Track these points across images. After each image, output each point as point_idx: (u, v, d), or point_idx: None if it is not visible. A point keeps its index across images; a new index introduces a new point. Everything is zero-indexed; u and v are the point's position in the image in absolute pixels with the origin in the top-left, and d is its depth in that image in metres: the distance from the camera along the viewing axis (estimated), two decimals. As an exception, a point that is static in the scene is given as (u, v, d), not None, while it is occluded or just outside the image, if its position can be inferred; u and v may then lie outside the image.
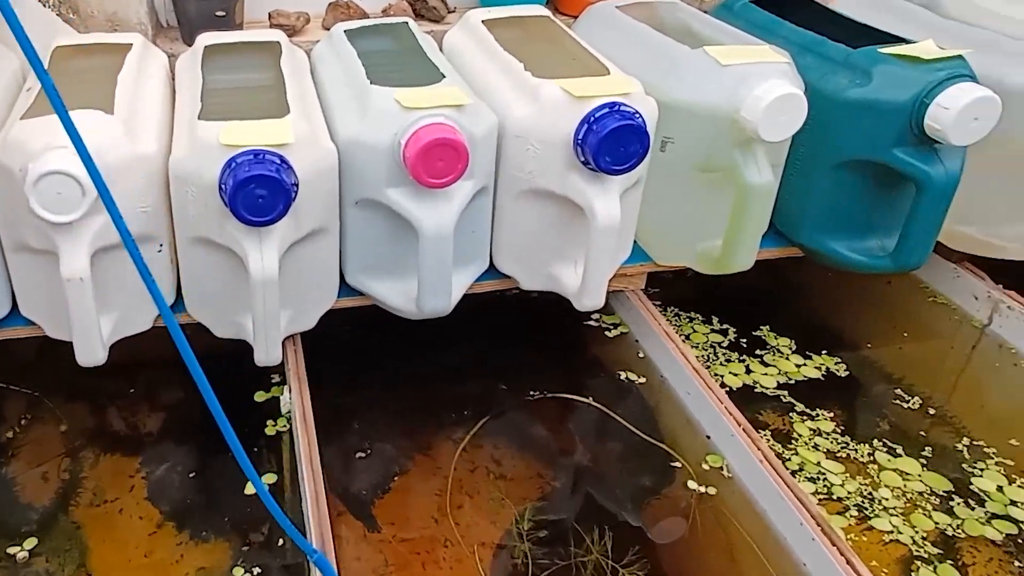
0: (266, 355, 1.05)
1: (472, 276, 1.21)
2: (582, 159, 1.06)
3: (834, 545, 0.87)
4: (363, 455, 1.09)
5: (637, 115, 1.04)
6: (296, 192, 0.97)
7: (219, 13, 1.45)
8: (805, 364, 1.24)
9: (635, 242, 1.29)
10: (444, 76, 1.12)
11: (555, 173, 1.10)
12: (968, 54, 1.15)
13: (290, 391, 1.10)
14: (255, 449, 1.10)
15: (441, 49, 1.36)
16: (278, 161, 0.95)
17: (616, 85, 1.08)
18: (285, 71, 1.17)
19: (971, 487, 1.03)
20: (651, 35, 1.27)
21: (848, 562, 0.85)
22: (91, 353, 1.03)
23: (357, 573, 0.95)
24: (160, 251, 1.09)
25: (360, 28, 1.35)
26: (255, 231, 0.98)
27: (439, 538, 0.99)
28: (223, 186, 0.94)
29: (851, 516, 0.99)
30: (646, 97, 1.12)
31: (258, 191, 0.94)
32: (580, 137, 1.04)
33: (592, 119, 1.04)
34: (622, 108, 1.04)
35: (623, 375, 1.23)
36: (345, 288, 1.19)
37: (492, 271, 1.23)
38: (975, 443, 1.10)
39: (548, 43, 1.31)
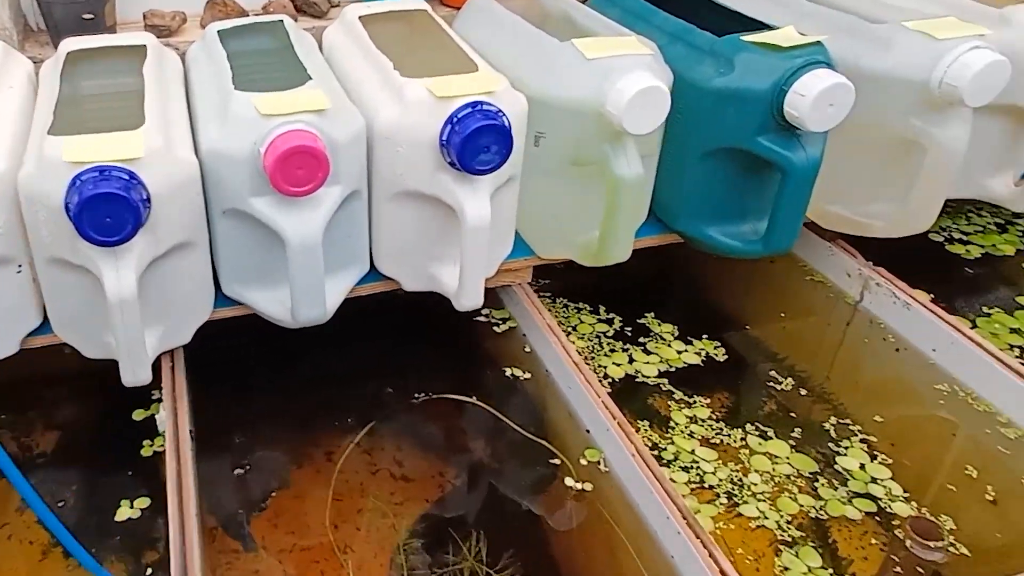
0: (133, 375, 1.01)
1: (352, 280, 1.17)
2: (448, 160, 1.03)
3: (698, 538, 0.87)
4: (242, 471, 1.05)
5: (500, 114, 1.01)
6: (148, 209, 0.92)
7: (87, 16, 1.37)
8: (686, 350, 1.24)
9: (519, 237, 1.26)
10: (311, 78, 1.07)
11: (424, 174, 1.07)
12: (828, 39, 1.14)
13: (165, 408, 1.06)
14: (129, 472, 1.05)
15: (321, 47, 1.31)
16: (126, 177, 0.90)
17: (480, 83, 1.05)
18: (148, 77, 1.11)
19: (835, 467, 1.04)
20: (524, 28, 1.24)
21: (711, 555, 0.85)
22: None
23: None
24: (19, 272, 1.03)
25: (234, 27, 1.29)
26: (109, 250, 0.93)
27: (317, 553, 0.96)
28: (68, 206, 0.89)
29: (720, 504, 0.99)
30: (514, 93, 1.10)
31: (104, 210, 0.89)
32: (444, 138, 1.02)
33: (455, 119, 1.01)
34: (485, 107, 1.01)
35: (509, 372, 1.21)
36: (224, 298, 1.14)
37: (374, 273, 1.20)
38: (842, 422, 1.11)
39: (422, 39, 1.27)
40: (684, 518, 0.90)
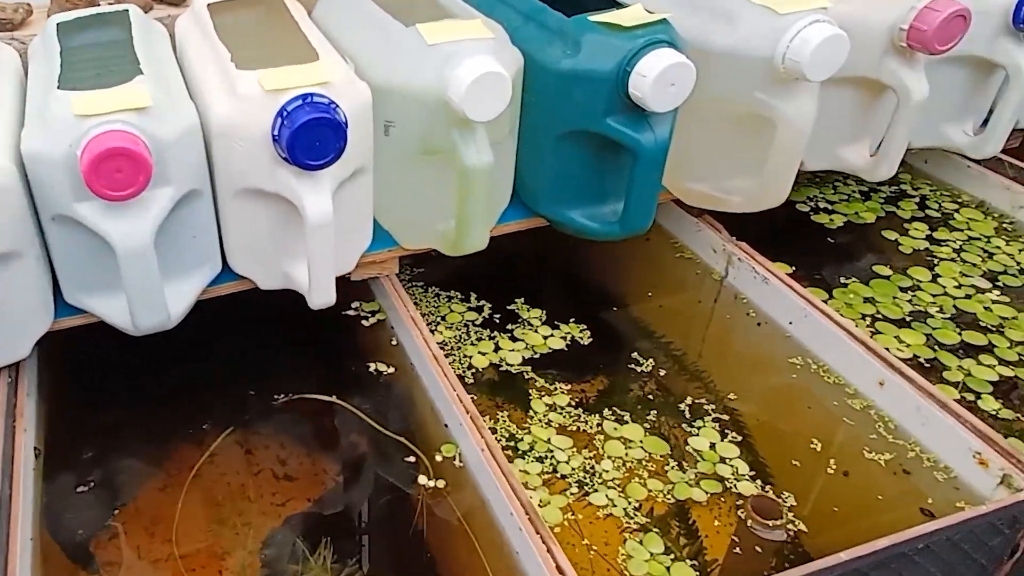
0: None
1: (203, 281, 1.11)
2: (282, 155, 0.96)
3: (538, 533, 0.84)
4: (85, 488, 0.99)
5: (332, 106, 0.95)
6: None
7: (-85, 10, 1.26)
8: (552, 335, 1.21)
9: (383, 228, 1.21)
10: (141, 73, 1.00)
11: (263, 171, 1.01)
12: (676, 17, 1.11)
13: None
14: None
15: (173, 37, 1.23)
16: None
17: (313, 74, 0.99)
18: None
19: (687, 448, 1.02)
20: (375, 12, 1.18)
21: (548, 550, 0.82)
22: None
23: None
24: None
25: (75, 20, 1.20)
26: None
27: (162, 570, 0.90)
28: None
29: (571, 494, 0.96)
30: (356, 83, 1.04)
31: None
32: (276, 132, 0.95)
33: (285, 113, 0.95)
34: (315, 100, 0.95)
35: (373, 367, 1.16)
36: (68, 307, 1.06)
37: (229, 273, 1.13)
38: (697, 401, 1.10)
39: (268, 28, 1.20)
40: (527, 513, 0.87)
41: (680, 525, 0.94)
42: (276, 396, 1.12)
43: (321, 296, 1.07)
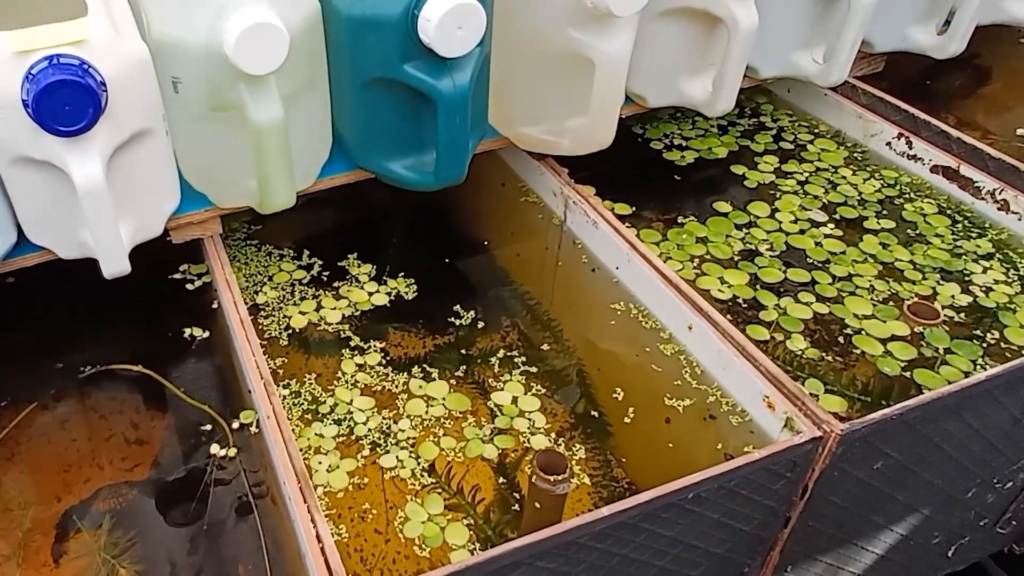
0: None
1: (-5, 256, 1.03)
2: (34, 121, 0.88)
3: (305, 502, 0.80)
4: None
5: (83, 67, 0.87)
6: None
7: None
8: (377, 291, 1.16)
9: (194, 188, 1.13)
10: None
11: (28, 139, 0.93)
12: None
13: None
14: None
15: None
16: None
17: (65, 33, 0.90)
18: None
19: (489, 403, 0.98)
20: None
21: (312, 520, 0.78)
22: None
23: None
24: None
25: None
26: None
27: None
28: None
29: (362, 457, 0.92)
30: (126, 40, 0.95)
31: None
32: (25, 97, 0.87)
33: (31, 76, 0.86)
34: (62, 61, 0.86)
35: (188, 332, 1.10)
36: None
37: (30, 246, 1.06)
38: (508, 354, 1.05)
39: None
40: (298, 480, 0.83)
41: (468, 484, 0.90)
42: (83, 368, 1.06)
43: (112, 265, 1.00)
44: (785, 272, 1.14)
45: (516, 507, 0.88)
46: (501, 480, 0.90)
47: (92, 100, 0.88)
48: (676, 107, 1.43)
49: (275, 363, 1.04)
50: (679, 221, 1.25)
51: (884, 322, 1.06)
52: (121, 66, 0.93)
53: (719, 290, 1.11)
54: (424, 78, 1.02)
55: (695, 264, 1.16)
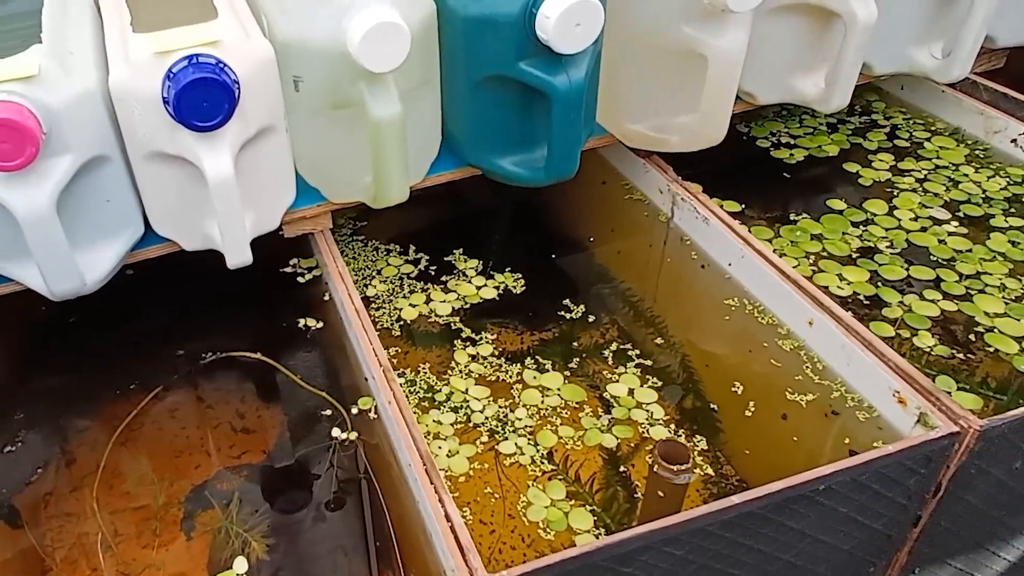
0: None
1: (124, 245, 1.12)
2: (173, 118, 0.96)
3: (432, 483, 0.84)
4: (12, 448, 1.02)
5: (220, 66, 0.95)
6: None
7: None
8: (485, 285, 1.20)
9: (308, 184, 1.21)
10: (39, 42, 1.00)
11: (164, 134, 1.01)
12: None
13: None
14: None
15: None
16: None
17: (201, 34, 0.98)
18: None
19: (604, 395, 1.01)
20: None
21: (440, 500, 0.82)
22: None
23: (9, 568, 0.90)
24: None
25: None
26: None
27: (79, 526, 0.93)
28: None
29: (481, 443, 0.96)
30: (254, 42, 1.03)
31: None
32: (165, 95, 0.95)
33: (171, 75, 0.94)
34: (201, 60, 0.94)
35: (303, 323, 1.17)
36: (0, 276, 1.09)
37: (155, 236, 1.14)
38: (622, 347, 1.08)
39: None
40: (423, 462, 0.87)
41: (588, 471, 0.93)
42: (204, 355, 1.14)
43: (236, 255, 1.08)
44: (907, 269, 1.15)
45: (639, 495, 0.90)
46: (621, 469, 0.93)
47: (228, 97, 0.96)
48: (783, 105, 1.44)
49: (388, 353, 1.10)
50: (791, 218, 1.27)
51: (1018, 320, 1.05)
52: (250, 66, 1.01)
53: (838, 287, 1.12)
54: (539, 75, 1.07)
55: (811, 261, 1.17)
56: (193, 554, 0.90)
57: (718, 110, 1.18)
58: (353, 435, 0.99)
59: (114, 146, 1.06)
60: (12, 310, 1.15)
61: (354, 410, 1.02)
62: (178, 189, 1.09)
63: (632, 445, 0.95)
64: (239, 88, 0.97)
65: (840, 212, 1.27)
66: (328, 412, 1.03)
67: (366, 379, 1.06)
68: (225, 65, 0.96)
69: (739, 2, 1.06)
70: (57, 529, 0.94)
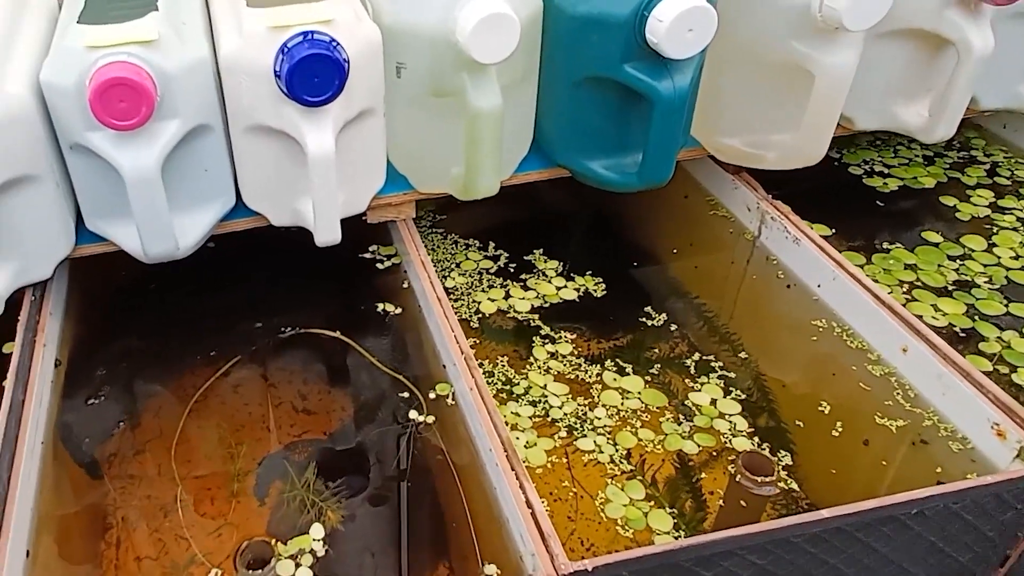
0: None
1: (215, 215, 1.17)
2: (282, 91, 1.01)
3: (513, 470, 0.86)
4: (96, 401, 1.07)
5: (333, 44, 0.99)
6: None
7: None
8: (565, 286, 1.23)
9: (397, 172, 1.24)
10: (155, 10, 1.06)
11: (269, 107, 1.06)
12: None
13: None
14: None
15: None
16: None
17: (316, 12, 1.03)
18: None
19: (686, 402, 1.02)
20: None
21: (521, 486, 0.84)
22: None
23: (63, 521, 0.94)
24: None
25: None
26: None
27: (158, 481, 0.97)
28: None
29: (559, 438, 0.98)
30: (364, 23, 1.08)
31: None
32: (277, 68, 1.00)
33: (286, 49, 0.99)
34: (316, 37, 0.99)
35: (381, 307, 1.20)
36: (90, 234, 1.15)
37: (245, 209, 1.19)
38: (704, 358, 1.09)
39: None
40: (505, 450, 0.89)
41: (667, 475, 0.94)
42: (283, 329, 1.18)
43: (326, 234, 1.12)
44: (1007, 306, 1.14)
45: (709, 504, 0.91)
46: (701, 477, 0.94)
47: (339, 74, 1.00)
48: (876, 134, 1.45)
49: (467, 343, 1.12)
50: (883, 247, 1.27)
51: None
52: (358, 47, 1.05)
53: (932, 317, 1.12)
54: (644, 79, 1.09)
55: (904, 289, 1.18)
56: (265, 520, 0.93)
57: (821, 129, 1.19)
58: (430, 419, 1.02)
59: (217, 117, 1.11)
60: (95, 272, 1.20)
61: (432, 395, 1.05)
62: (274, 164, 1.13)
63: (711, 454, 0.96)
64: (348, 67, 1.02)
65: (936, 245, 1.27)
66: (405, 395, 1.06)
67: (444, 366, 1.09)
68: (338, 43, 1.00)
69: (855, 21, 1.08)
70: (120, 490, 0.97)
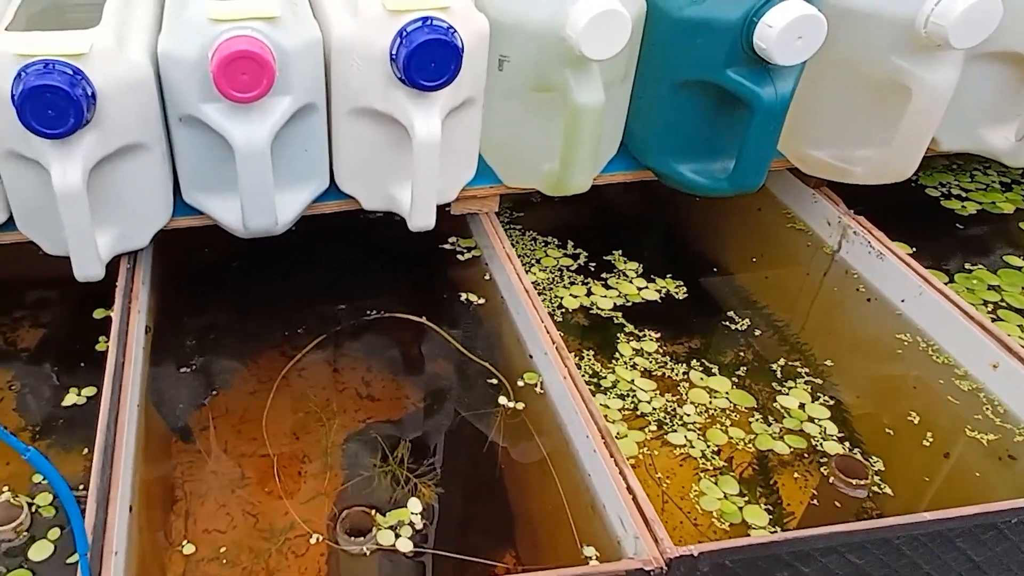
0: (83, 271, 1.06)
1: (310, 195, 1.21)
2: (398, 75, 1.05)
3: (612, 457, 0.89)
4: (187, 370, 1.11)
5: (451, 31, 1.03)
6: (93, 105, 0.96)
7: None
8: (647, 287, 1.26)
9: (486, 165, 1.28)
10: (270, -12, 1.10)
11: (378, 90, 1.10)
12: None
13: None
14: (82, 364, 1.11)
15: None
16: (69, 72, 0.94)
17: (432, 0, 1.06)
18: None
19: (774, 404, 1.05)
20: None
21: (621, 472, 0.87)
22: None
23: (159, 482, 0.97)
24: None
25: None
26: (57, 143, 0.98)
27: (249, 450, 1.00)
28: (13, 95, 0.93)
29: (650, 431, 1.01)
30: (474, 13, 1.12)
31: (48, 102, 0.93)
32: (393, 52, 1.04)
33: (404, 33, 1.03)
34: (435, 23, 1.03)
35: (464, 296, 1.24)
36: (186, 207, 1.19)
37: (335, 191, 1.23)
38: (791, 363, 1.12)
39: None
40: (603, 438, 0.92)
41: (759, 473, 0.97)
42: (368, 312, 1.21)
43: (422, 218, 1.15)
44: (1092, 332, 1.17)
45: (815, 502, 0.94)
46: (795, 475, 0.96)
47: (455, 60, 1.04)
48: (951, 157, 1.48)
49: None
50: (965, 267, 1.30)
51: None
52: (469, 36, 1.09)
53: (1020, 338, 1.15)
54: (747, 84, 1.13)
55: (989, 309, 1.20)
56: (358, 492, 0.96)
57: (914, 145, 1.22)
58: (520, 405, 1.05)
59: (322, 98, 1.15)
60: (177, 247, 1.24)
61: (519, 383, 1.08)
62: (372, 147, 1.17)
63: (802, 456, 0.99)
64: (462, 55, 1.06)
65: (1019, 268, 1.29)
66: (493, 381, 1.09)
67: (530, 356, 1.12)
68: (455, 30, 1.04)
69: (961, 39, 1.11)
70: (215, 458, 1.01)
